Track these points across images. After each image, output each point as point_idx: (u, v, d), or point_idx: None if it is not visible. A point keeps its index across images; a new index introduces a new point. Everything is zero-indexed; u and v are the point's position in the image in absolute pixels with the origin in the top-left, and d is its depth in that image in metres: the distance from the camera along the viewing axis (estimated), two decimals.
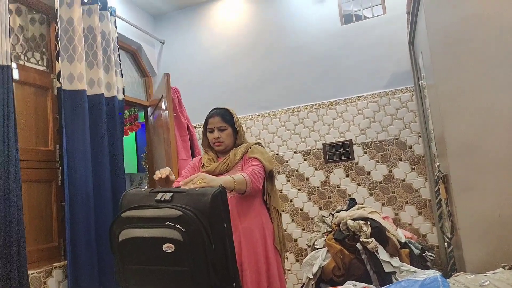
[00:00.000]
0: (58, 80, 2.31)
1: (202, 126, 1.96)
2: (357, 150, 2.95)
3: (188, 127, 3.17)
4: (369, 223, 2.15)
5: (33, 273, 2.04)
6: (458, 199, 1.49)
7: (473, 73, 1.49)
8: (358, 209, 2.42)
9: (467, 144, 1.48)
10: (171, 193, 1.25)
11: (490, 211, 1.42)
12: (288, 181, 3.12)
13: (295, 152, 3.13)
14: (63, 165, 2.23)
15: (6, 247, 1.79)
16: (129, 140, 4.90)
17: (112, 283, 2.32)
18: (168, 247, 1.12)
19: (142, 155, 4.76)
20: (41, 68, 2.48)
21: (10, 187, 1.84)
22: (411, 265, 2.05)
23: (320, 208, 3.01)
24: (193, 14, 3.60)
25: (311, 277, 2.18)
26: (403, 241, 2.20)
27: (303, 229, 3.04)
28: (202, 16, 3.57)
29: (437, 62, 1.59)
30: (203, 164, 1.90)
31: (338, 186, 2.98)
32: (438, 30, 1.56)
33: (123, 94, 2.76)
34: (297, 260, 3.03)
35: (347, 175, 2.96)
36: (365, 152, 2.93)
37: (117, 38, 2.79)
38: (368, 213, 2.28)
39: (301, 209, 3.06)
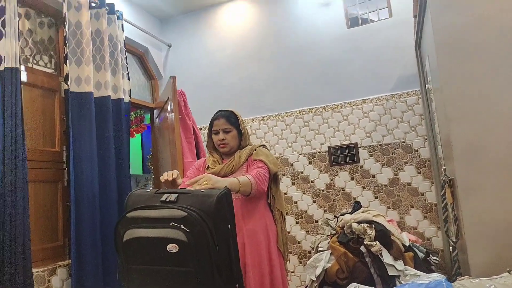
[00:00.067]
0: (66, 83, 2.34)
1: (207, 128, 1.97)
2: (363, 153, 2.94)
3: (193, 129, 3.18)
4: (373, 226, 2.14)
5: (38, 271, 2.06)
6: (464, 203, 1.49)
7: (480, 76, 1.48)
8: (363, 212, 2.41)
9: (473, 148, 1.47)
10: (177, 194, 1.26)
11: (496, 216, 1.41)
12: (293, 183, 3.12)
13: (300, 154, 3.13)
14: (69, 166, 2.25)
15: (11, 245, 1.81)
16: (135, 142, 4.93)
17: (116, 283, 2.33)
18: (172, 248, 1.12)
19: (148, 156, 4.79)
20: (49, 70, 2.51)
21: (17, 187, 1.87)
22: (415, 268, 2.04)
23: (325, 211, 3.00)
24: (199, 18, 3.62)
25: (314, 279, 2.18)
26: (407, 244, 2.19)
27: (307, 232, 3.03)
28: (208, 20, 3.59)
29: (443, 65, 1.58)
30: (208, 166, 1.91)
31: (343, 189, 2.97)
32: (445, 33, 1.56)
33: (130, 96, 2.78)
34: (300, 262, 3.03)
35: (352, 178, 2.95)
36: (371, 155, 2.92)
37: (124, 41, 2.82)
38: (373, 216, 2.27)
39: (306, 212, 3.06)
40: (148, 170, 4.85)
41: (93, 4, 2.59)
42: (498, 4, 1.48)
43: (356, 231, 2.16)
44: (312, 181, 3.06)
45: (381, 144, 2.90)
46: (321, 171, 3.04)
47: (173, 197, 1.25)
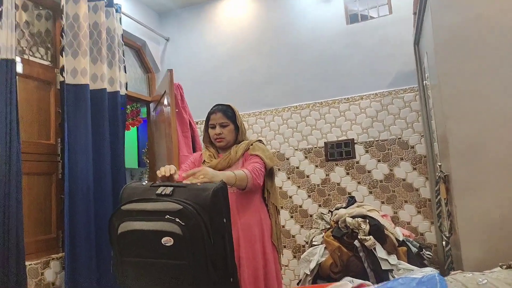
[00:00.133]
0: (62, 75, 2.32)
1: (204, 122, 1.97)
2: (359, 149, 2.95)
3: (190, 123, 3.18)
4: (367, 220, 2.16)
5: (31, 264, 2.05)
6: (459, 199, 1.50)
7: (478, 74, 1.49)
8: (357, 207, 2.43)
9: (469, 145, 1.48)
10: (172, 187, 1.26)
11: (490, 212, 1.42)
12: (288, 178, 3.13)
13: (296, 149, 3.13)
14: (64, 159, 2.24)
15: (4, 237, 1.80)
16: (131, 135, 4.91)
17: (110, 275, 2.33)
18: (167, 241, 1.13)
19: (143, 150, 4.78)
20: (45, 62, 2.49)
21: (10, 179, 1.86)
22: (408, 263, 2.06)
23: (320, 206, 3.01)
24: (198, 12, 3.60)
25: (308, 273, 2.20)
26: (401, 239, 2.21)
27: (302, 226, 3.05)
28: (207, 13, 3.57)
29: (441, 62, 1.58)
30: (204, 160, 1.91)
31: (338, 184, 2.98)
32: (444, 31, 1.56)
33: (126, 89, 2.77)
34: (294, 256, 3.04)
35: (347, 174, 2.96)
36: (367, 151, 2.93)
37: (122, 34, 2.80)
38: (367, 211, 2.29)
39: (300, 206, 3.07)
40: (143, 164, 4.84)
41: None
42: (498, 4, 1.48)
43: (350, 225, 2.17)
44: (308, 176, 3.07)
45: (378, 140, 2.91)
46: (316, 166, 3.05)
47: (168, 190, 1.25)
